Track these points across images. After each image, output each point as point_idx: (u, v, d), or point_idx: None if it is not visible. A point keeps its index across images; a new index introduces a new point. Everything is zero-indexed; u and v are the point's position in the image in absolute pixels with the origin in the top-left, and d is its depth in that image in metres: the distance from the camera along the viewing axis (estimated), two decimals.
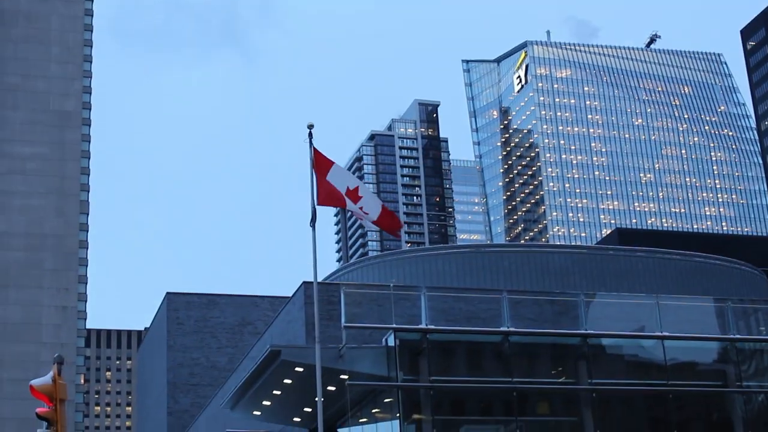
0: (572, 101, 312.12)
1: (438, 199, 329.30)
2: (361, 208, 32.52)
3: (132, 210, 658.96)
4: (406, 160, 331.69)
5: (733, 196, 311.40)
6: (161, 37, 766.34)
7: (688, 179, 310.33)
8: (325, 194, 32.01)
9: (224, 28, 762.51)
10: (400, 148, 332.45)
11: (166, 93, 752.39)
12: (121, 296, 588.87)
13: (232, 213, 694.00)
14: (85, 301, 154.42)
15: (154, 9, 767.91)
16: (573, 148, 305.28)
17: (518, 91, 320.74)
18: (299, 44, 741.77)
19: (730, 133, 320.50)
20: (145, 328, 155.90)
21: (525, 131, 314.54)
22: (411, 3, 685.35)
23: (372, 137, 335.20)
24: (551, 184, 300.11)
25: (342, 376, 37.71)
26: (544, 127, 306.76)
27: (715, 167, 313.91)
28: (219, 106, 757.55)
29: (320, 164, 32.37)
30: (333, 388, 38.21)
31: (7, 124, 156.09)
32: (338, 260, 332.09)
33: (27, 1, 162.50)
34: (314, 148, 32.49)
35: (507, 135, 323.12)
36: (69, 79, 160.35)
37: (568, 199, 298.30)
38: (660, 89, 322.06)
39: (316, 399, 32.18)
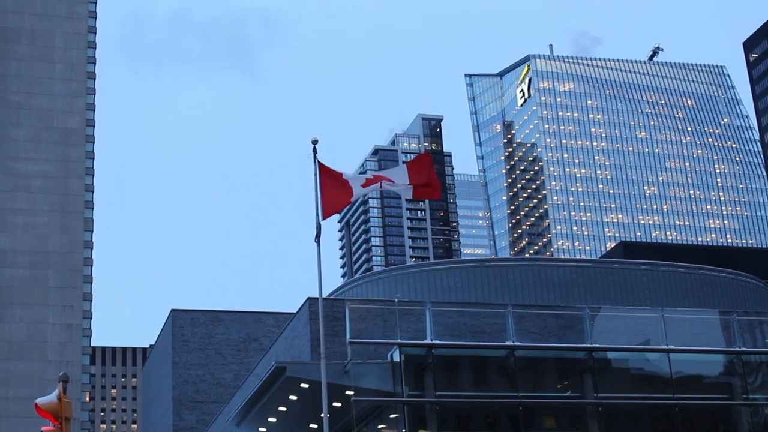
0: (575, 115, 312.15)
1: (442, 214, 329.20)
2: (383, 183, 32.43)
3: (136, 227, 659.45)
4: None
5: (738, 209, 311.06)
6: (167, 54, 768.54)
7: (692, 192, 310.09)
8: (329, 205, 32.01)
9: (230, 46, 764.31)
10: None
11: (171, 110, 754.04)
12: (126, 313, 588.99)
13: (236, 229, 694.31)
14: (90, 319, 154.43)
15: (161, 26, 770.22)
16: (577, 161, 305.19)
17: (521, 105, 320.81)
18: (304, 61, 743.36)
19: (734, 146, 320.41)
20: (150, 345, 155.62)
21: (528, 145, 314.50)
22: (414, 19, 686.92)
23: (376, 152, 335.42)
24: (555, 197, 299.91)
25: (347, 392, 37.67)
26: (548, 140, 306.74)
27: (719, 180, 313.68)
28: (224, 123, 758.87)
29: (327, 177, 32.32)
30: (339, 404, 38.17)
31: (11, 142, 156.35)
32: (343, 275, 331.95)
33: (31, 19, 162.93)
34: (319, 162, 32.49)
35: (510, 149, 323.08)
36: (73, 97, 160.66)
37: (572, 213, 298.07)
38: (663, 102, 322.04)
39: (322, 415, 32.16)
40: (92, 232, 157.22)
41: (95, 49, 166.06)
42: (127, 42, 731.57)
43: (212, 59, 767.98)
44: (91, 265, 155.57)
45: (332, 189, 32.13)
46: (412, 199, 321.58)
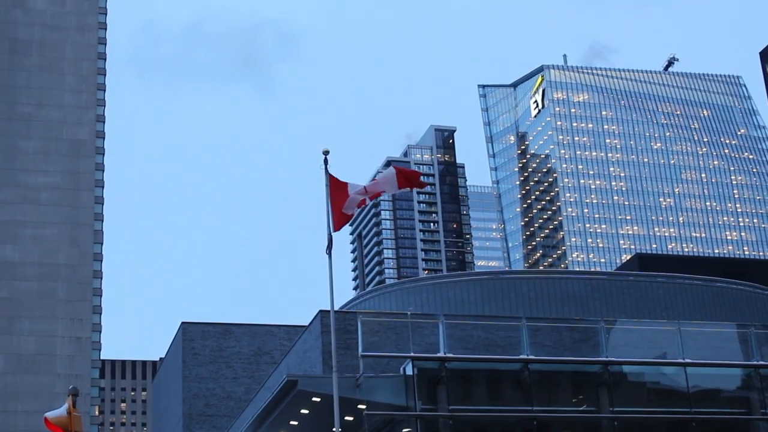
0: (590, 126, 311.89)
1: (455, 226, 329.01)
2: (380, 193, 32.53)
3: (146, 239, 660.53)
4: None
5: (755, 221, 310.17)
6: (179, 66, 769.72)
7: (708, 203, 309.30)
8: (341, 217, 32.08)
9: (243, 59, 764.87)
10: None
11: (182, 123, 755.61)
12: (135, 326, 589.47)
13: (247, 242, 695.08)
14: (100, 332, 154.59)
15: (173, 39, 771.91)
16: (591, 173, 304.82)
17: (535, 116, 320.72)
18: (317, 74, 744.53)
19: (751, 157, 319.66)
20: (160, 359, 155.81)
21: (542, 156, 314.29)
22: (427, 29, 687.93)
23: (388, 164, 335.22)
24: (570, 209, 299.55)
25: (360, 406, 37.63)
26: (562, 152, 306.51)
27: (735, 191, 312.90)
28: (236, 136, 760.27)
29: (336, 189, 32.42)
30: (351, 419, 38.13)
31: (21, 154, 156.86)
32: (354, 288, 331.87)
33: (41, 30, 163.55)
34: (331, 175, 32.57)
35: (524, 160, 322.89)
36: (83, 108, 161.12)
37: (587, 225, 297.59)
38: (679, 112, 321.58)
39: (334, 429, 32.13)
40: (102, 244, 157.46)
41: (105, 60, 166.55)
42: (139, 55, 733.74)
43: (225, 72, 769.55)
44: (101, 278, 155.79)
45: (342, 201, 32.23)
46: (424, 212, 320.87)
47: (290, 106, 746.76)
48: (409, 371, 37.81)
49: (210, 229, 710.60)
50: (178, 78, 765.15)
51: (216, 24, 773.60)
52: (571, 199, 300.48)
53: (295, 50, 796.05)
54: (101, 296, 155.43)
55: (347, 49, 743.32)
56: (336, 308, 35.55)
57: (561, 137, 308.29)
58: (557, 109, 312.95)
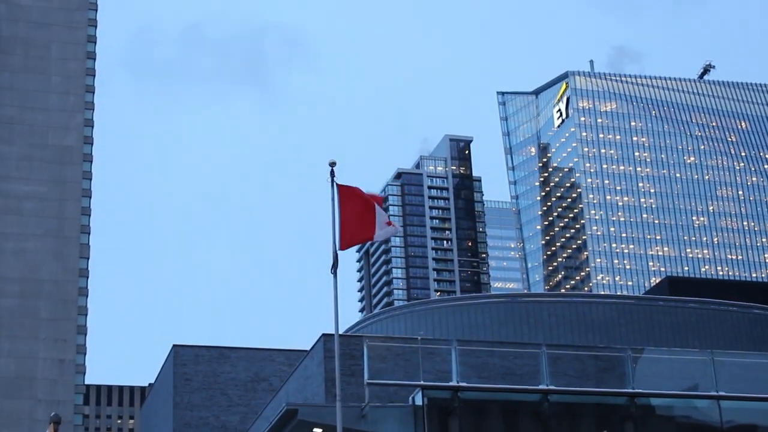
0: (617, 137, 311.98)
1: (470, 244, 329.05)
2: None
3: (137, 255, 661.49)
4: (436, 200, 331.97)
5: None
6: (177, 70, 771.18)
7: (745, 223, 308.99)
8: (349, 235, 32.11)
9: (246, 65, 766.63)
10: (429, 187, 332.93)
11: (179, 130, 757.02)
12: (123, 349, 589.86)
13: (246, 260, 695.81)
14: (85, 354, 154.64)
15: (171, 40, 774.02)
16: (618, 188, 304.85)
17: (558, 126, 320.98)
18: (325, 81, 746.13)
19: None
20: (150, 384, 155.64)
21: (566, 170, 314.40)
22: (442, 32, 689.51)
23: (398, 175, 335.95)
24: (594, 227, 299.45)
25: None
26: (587, 165, 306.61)
27: None
28: (236, 145, 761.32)
29: (348, 202, 32.37)
30: None
31: (2, 160, 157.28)
32: (361, 310, 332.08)
33: (26, 28, 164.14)
34: (339, 185, 32.62)
35: (546, 174, 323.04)
36: (70, 112, 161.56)
37: (613, 245, 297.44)
38: (714, 124, 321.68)
39: None
40: (88, 259, 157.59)
41: (95, 60, 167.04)
42: (134, 57, 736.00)
43: (227, 78, 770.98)
44: (87, 296, 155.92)
45: (353, 217, 32.23)
46: (436, 228, 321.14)
47: (296, 114, 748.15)
48: (419, 401, 37.82)
49: (206, 246, 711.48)
50: (176, 83, 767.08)
51: (217, 26, 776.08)
52: (596, 217, 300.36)
53: (302, 55, 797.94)
54: (87, 315, 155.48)
55: (357, 54, 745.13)
56: (341, 332, 35.58)
57: (586, 149, 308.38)
58: (582, 118, 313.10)
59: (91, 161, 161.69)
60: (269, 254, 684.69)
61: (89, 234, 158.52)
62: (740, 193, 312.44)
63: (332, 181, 32.70)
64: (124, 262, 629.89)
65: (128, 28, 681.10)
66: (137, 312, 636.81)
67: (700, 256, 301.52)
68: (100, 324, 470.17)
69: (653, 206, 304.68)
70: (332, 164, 32.83)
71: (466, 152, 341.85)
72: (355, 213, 32.22)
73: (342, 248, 32.24)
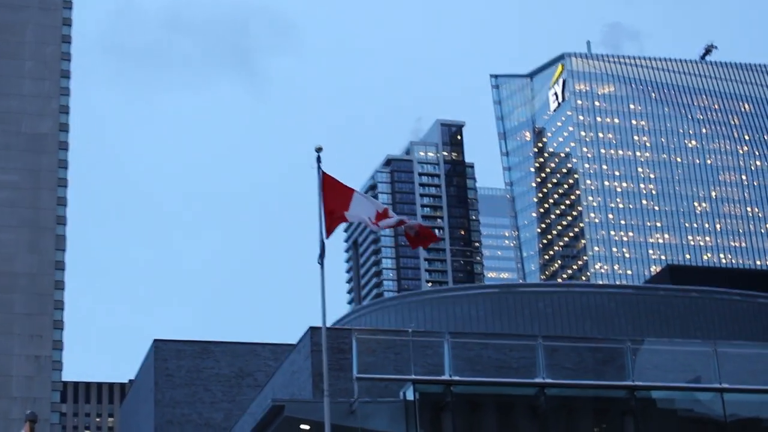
0: (616, 121, 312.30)
1: (463, 233, 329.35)
2: (402, 222, 32.57)
3: (115, 247, 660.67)
4: (427, 188, 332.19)
5: None
6: (157, 55, 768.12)
7: (749, 209, 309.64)
8: (333, 221, 32.12)
9: (230, 49, 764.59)
10: (420, 174, 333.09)
11: (160, 117, 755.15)
12: (102, 344, 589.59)
13: (230, 250, 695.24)
14: (61, 350, 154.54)
15: (151, 24, 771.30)
16: (617, 174, 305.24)
17: (554, 110, 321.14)
18: (313, 66, 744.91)
19: None
20: (130, 381, 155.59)
21: (562, 155, 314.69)
22: (432, 13, 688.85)
23: (388, 162, 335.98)
24: (592, 214, 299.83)
25: None
26: (584, 150, 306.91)
27: None
28: (220, 133, 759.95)
29: (333, 192, 32.40)
30: None
31: None
32: (349, 302, 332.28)
33: None
34: (325, 173, 32.59)
35: (541, 159, 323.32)
36: (45, 98, 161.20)
37: (612, 232, 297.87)
38: (716, 107, 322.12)
39: None
40: (64, 251, 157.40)
41: (71, 44, 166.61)
42: (112, 41, 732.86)
43: (210, 64, 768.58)
44: (63, 289, 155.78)
45: (336, 203, 32.26)
46: (428, 216, 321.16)
47: (282, 100, 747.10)
48: (410, 396, 37.85)
49: (188, 237, 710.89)
50: (156, 68, 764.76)
51: (200, 9, 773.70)
52: (594, 204, 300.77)
53: (289, 40, 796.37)
54: (63, 310, 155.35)
55: (344, 38, 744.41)
56: (328, 324, 35.57)
57: (583, 134, 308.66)
58: (579, 102, 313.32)
59: (67, 149, 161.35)
60: (254, 244, 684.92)
61: (65, 225, 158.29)
62: (743, 177, 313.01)
63: (318, 167, 32.66)
64: (102, 254, 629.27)
65: (106, 10, 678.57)
66: (116, 306, 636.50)
67: (702, 243, 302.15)
68: (77, 319, 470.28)
69: (653, 192, 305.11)
70: (318, 150, 32.78)
71: (458, 137, 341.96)
72: (338, 199, 32.24)
73: (327, 236, 32.20)
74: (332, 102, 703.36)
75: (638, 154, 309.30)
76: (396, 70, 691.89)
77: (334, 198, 32.32)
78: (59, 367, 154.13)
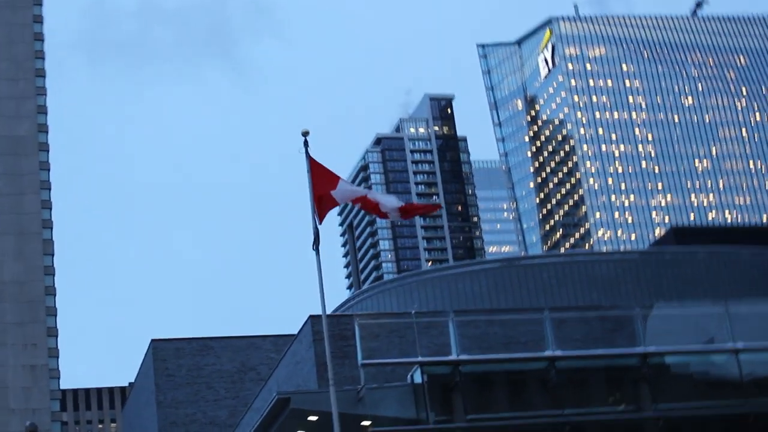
0: (609, 83, 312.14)
1: (460, 208, 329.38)
2: (372, 205, 32.63)
3: (105, 248, 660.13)
4: (420, 164, 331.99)
5: None
6: (135, 47, 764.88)
7: (751, 164, 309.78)
8: (325, 206, 32.16)
9: (210, 36, 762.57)
10: (412, 151, 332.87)
11: (142, 111, 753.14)
12: (98, 348, 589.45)
13: (224, 243, 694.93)
14: (57, 357, 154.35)
15: (127, 16, 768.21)
16: (614, 137, 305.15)
17: (545, 76, 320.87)
18: (294, 48, 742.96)
19: None
20: (130, 384, 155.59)
21: (556, 122, 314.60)
22: None
23: (378, 141, 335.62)
24: (591, 180, 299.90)
25: (364, 423, 37.70)
26: (579, 115, 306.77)
27: None
28: (205, 124, 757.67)
29: (320, 178, 32.49)
30: None
31: None
32: (349, 287, 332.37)
33: None
34: (312, 158, 32.61)
35: (535, 128, 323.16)
36: (20, 99, 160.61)
37: (612, 197, 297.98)
38: (711, 62, 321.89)
39: None
40: (53, 256, 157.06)
41: (43, 41, 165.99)
42: (87, 36, 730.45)
43: (190, 52, 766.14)
44: (54, 295, 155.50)
45: (326, 188, 32.34)
46: (422, 194, 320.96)
47: (265, 86, 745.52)
48: (418, 379, 37.89)
49: (180, 232, 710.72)
50: (136, 60, 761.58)
51: None
52: (593, 169, 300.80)
53: (269, 22, 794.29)
54: (56, 316, 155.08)
55: (327, 16, 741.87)
56: (329, 312, 35.61)
57: (576, 98, 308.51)
58: (570, 66, 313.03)
59: (48, 150, 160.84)
60: (249, 235, 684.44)
61: (51, 229, 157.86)
62: (744, 132, 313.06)
63: (306, 151, 32.68)
64: (91, 256, 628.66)
65: (79, 4, 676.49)
66: (110, 308, 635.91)
67: (705, 202, 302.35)
68: (71, 324, 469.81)
69: (652, 154, 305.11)
70: (305, 134, 32.81)
71: (449, 111, 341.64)
72: (327, 184, 32.30)
73: (320, 221, 32.25)
74: (317, 83, 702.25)
75: (634, 115, 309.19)
76: (381, 47, 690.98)
77: (323, 184, 32.40)
78: (56, 375, 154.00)
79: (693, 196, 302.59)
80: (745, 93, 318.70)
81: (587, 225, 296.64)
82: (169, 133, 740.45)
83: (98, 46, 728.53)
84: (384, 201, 32.59)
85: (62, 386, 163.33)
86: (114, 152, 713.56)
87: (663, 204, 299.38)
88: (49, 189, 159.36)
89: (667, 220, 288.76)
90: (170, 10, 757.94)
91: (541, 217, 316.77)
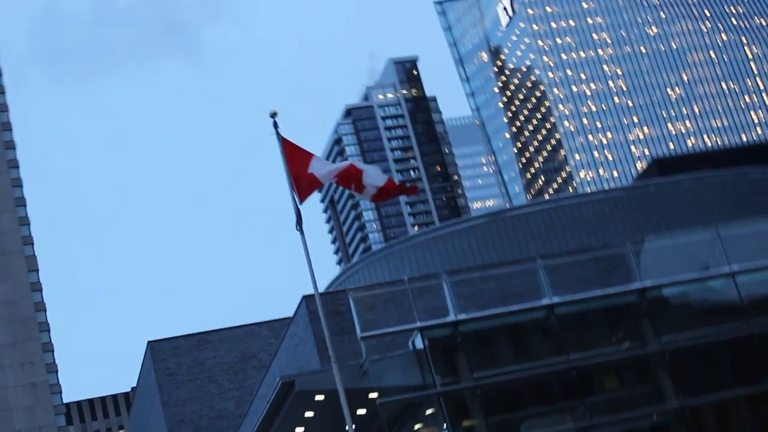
0: (572, 23, 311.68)
1: (439, 168, 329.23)
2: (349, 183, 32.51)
3: (88, 257, 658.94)
4: (393, 130, 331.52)
5: None
6: (94, 52, 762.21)
7: (724, 85, 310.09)
8: (305, 185, 32.07)
9: (166, 31, 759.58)
10: (383, 117, 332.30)
11: (107, 115, 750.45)
12: (96, 357, 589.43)
13: (206, 236, 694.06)
14: (56, 372, 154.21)
15: (79, 20, 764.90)
16: (583, 77, 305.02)
17: (507, 25, 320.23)
18: (251, 30, 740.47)
19: (763, 22, 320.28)
20: (132, 389, 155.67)
21: (524, 69, 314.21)
22: None
23: (348, 112, 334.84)
24: (566, 123, 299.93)
25: (371, 395, 37.78)
26: (545, 59, 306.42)
27: (753, 65, 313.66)
28: (172, 119, 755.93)
29: (294, 157, 32.39)
30: (363, 411, 38.30)
31: None
32: (338, 262, 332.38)
33: None
34: (284, 138, 32.53)
35: (504, 78, 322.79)
36: None
37: (590, 137, 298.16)
38: None
39: (347, 428, 32.25)
40: (37, 271, 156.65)
41: None
42: (42, 46, 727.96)
43: (147, 49, 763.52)
44: (45, 310, 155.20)
45: (303, 167, 32.22)
46: (400, 159, 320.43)
47: (227, 71, 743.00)
48: (419, 344, 37.94)
49: (161, 229, 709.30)
50: (93, 65, 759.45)
51: None
52: (566, 112, 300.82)
53: (221, 7, 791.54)
54: (49, 331, 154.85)
55: None
56: (321, 289, 35.59)
57: (541, 43, 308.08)
58: (530, 11, 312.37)
59: (18, 167, 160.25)
60: (229, 224, 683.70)
61: (33, 245, 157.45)
62: (712, 54, 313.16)
63: (277, 133, 32.58)
64: (76, 267, 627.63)
65: (29, 14, 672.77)
66: (103, 316, 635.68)
67: (683, 130, 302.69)
68: (65, 337, 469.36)
69: (623, 88, 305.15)
70: (273, 115, 32.69)
71: (414, 73, 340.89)
72: (304, 163, 32.19)
73: (301, 201, 32.17)
74: (280, 61, 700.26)
75: (601, 52, 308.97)
76: (338, 16, 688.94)
77: (299, 163, 32.32)
78: (58, 390, 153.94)
79: (670, 125, 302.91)
80: (708, 15, 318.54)
81: (568, 168, 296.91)
82: (137, 133, 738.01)
83: (54, 54, 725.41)
84: (370, 171, 32.43)
85: (65, 400, 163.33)
86: (83, 160, 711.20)
87: (641, 137, 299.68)
88: (25, 205, 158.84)
89: (647, 153, 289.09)
90: (122, 10, 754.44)
91: (521, 166, 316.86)
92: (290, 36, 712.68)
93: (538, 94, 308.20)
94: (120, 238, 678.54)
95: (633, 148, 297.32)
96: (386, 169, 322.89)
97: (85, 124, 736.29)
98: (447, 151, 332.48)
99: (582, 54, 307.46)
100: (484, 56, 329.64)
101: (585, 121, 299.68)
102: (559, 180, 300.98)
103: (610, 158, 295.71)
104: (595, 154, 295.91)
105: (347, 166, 32.34)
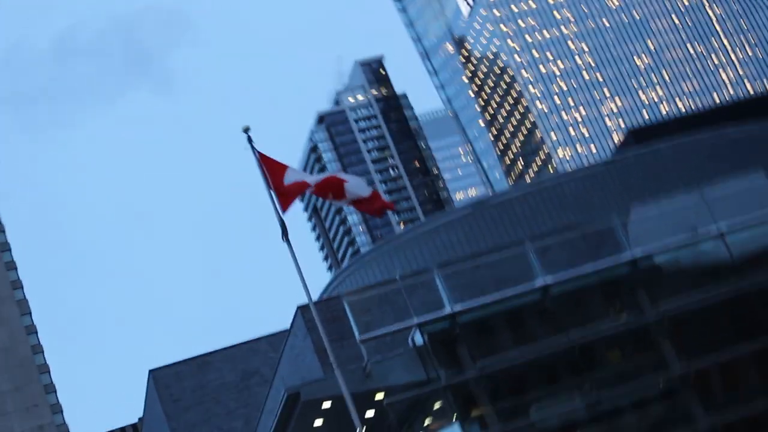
0: (532, 4, 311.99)
1: (417, 163, 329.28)
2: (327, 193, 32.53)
3: (78, 294, 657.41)
4: (367, 131, 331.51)
5: (748, 51, 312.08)
6: (56, 91, 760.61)
7: (690, 48, 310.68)
8: (287, 194, 32.08)
9: (130, 60, 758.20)
10: (356, 120, 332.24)
11: (80, 150, 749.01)
12: (100, 392, 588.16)
13: (193, 261, 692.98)
14: (62, 412, 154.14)
15: (42, 58, 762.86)
16: (549, 56, 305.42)
17: (468, 14, 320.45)
18: (216, 51, 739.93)
19: None
20: (139, 419, 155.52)
21: (490, 56, 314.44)
22: None
23: (321, 119, 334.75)
24: (538, 104, 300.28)
25: (378, 397, 37.79)
26: (510, 43, 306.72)
27: (717, 25, 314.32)
28: (144, 146, 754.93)
29: (272, 169, 32.43)
30: (372, 413, 38.30)
31: None
32: (329, 268, 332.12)
33: None
34: (259, 152, 32.56)
35: (471, 66, 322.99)
36: None
37: (563, 115, 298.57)
38: None
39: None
40: (30, 314, 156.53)
41: None
42: (7, 87, 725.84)
43: (113, 80, 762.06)
44: (42, 352, 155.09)
45: (280, 178, 32.27)
46: (377, 160, 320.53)
47: (195, 93, 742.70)
48: (419, 340, 37.97)
49: (149, 259, 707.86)
50: (59, 104, 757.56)
51: (87, 27, 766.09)
52: (537, 93, 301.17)
53: (181, 31, 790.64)
54: (50, 372, 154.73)
55: (237, 16, 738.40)
56: (315, 297, 35.62)
57: (504, 27, 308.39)
58: None
59: None
60: (217, 246, 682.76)
61: (22, 288, 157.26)
62: (675, 19, 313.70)
63: (252, 147, 32.62)
64: (68, 305, 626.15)
65: None
66: (102, 351, 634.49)
67: (655, 97, 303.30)
68: (66, 376, 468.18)
69: (591, 63, 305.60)
70: (246, 130, 32.77)
71: (382, 72, 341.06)
72: (282, 174, 32.25)
73: (283, 211, 32.18)
74: (247, 77, 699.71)
75: (564, 29, 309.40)
76: (300, 26, 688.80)
77: (275, 176, 32.36)
78: (65, 429, 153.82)
79: (641, 94, 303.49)
80: None
81: (546, 149, 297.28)
82: (111, 164, 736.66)
83: (20, 96, 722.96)
84: (354, 182, 32.46)
85: None
86: (62, 198, 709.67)
87: (614, 110, 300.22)
88: (10, 250, 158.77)
89: (622, 125, 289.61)
90: (84, 43, 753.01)
91: (498, 152, 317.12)
92: (254, 50, 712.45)
93: (507, 78, 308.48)
94: (107, 271, 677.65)
95: (608, 121, 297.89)
96: (366, 170, 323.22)
97: (58, 161, 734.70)
98: (423, 146, 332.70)
99: (546, 34, 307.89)
100: (450, 48, 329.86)
101: (557, 100, 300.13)
102: (538, 161, 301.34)
103: (586, 134, 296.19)
104: (571, 131, 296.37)
105: (326, 176, 32.38)
